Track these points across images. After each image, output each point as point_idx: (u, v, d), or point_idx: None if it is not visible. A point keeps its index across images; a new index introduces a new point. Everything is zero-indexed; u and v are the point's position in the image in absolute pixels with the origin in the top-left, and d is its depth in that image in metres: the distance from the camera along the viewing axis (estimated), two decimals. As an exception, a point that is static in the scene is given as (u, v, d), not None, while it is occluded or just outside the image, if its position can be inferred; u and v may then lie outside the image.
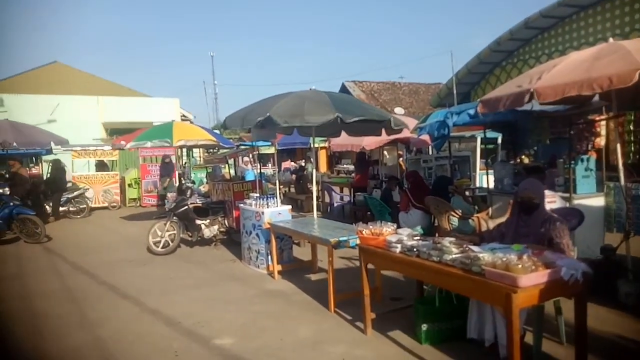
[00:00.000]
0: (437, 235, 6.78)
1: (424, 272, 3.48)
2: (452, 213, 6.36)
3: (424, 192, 7.18)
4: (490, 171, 7.75)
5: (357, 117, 5.72)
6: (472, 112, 6.55)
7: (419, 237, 3.87)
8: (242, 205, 7.30)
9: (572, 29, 12.22)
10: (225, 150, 15.09)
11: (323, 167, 23.04)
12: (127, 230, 11.03)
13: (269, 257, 6.62)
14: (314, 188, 7.14)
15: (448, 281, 3.28)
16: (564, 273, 2.87)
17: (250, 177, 12.31)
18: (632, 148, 6.11)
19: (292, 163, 19.75)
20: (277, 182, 7.39)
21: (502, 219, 6.69)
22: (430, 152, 10.62)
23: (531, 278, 2.78)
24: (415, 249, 3.57)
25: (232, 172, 13.17)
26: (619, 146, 4.82)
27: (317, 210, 7.58)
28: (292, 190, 14.22)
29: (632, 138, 6.05)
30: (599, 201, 6.33)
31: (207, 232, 8.42)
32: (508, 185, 7.17)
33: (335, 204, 11.76)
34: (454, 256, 3.25)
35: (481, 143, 13.79)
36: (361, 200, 10.76)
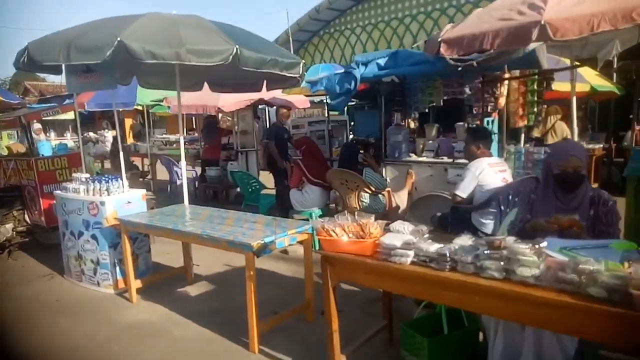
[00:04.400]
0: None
1: (476, 298, 2.07)
2: (366, 188, 5.13)
3: (321, 164, 5.78)
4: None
5: (267, 57, 3.91)
6: (381, 61, 5.33)
7: (427, 235, 2.43)
8: (59, 192, 4.74)
9: (384, 3, 13.04)
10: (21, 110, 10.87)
11: (130, 138, 19.29)
12: None
13: (118, 269, 4.38)
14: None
15: (533, 314, 1.94)
16: None
17: (45, 150, 9.00)
18: (535, 109, 5.74)
19: (92, 133, 15.74)
20: (122, 154, 5.00)
21: (403, 192, 5.85)
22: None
23: None
24: (448, 259, 2.14)
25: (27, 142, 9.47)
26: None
27: (148, 190, 5.53)
28: (108, 166, 11.23)
29: (535, 98, 5.66)
30: (499, 167, 5.90)
31: (-4, 236, 5.47)
32: (405, 153, 6.30)
33: (178, 182, 9.46)
34: (538, 271, 1.93)
35: (329, 109, 13.20)
36: (214, 176, 8.82)
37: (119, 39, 3.27)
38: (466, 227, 4.04)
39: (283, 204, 5.88)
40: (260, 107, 10.11)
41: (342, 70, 5.52)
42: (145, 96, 9.93)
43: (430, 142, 6.44)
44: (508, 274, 2.00)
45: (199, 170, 9.80)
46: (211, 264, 4.98)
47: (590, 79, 8.36)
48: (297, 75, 4.31)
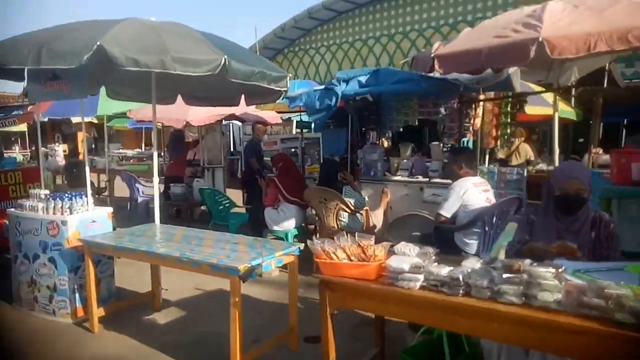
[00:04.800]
0: (317, 236, 5.32)
1: (494, 325, 1.94)
2: (345, 207, 4.99)
3: (297, 182, 5.60)
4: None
5: (255, 69, 3.73)
6: (363, 79, 5.27)
7: (434, 257, 2.30)
8: (13, 211, 4.30)
9: (348, 25, 13.70)
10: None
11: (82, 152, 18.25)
12: None
13: (78, 295, 3.98)
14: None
15: (555, 341, 1.83)
16: None
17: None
18: (508, 130, 5.85)
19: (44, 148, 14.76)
20: (87, 168, 4.58)
21: (378, 211, 5.75)
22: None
23: None
24: (461, 283, 2.01)
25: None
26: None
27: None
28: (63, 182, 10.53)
29: (508, 120, 5.76)
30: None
31: None
32: (380, 172, 6.24)
33: (140, 199, 8.99)
34: (560, 295, 1.83)
35: (297, 127, 13.10)
36: (179, 193, 8.42)
37: (98, 43, 2.99)
38: (449, 247, 4.00)
39: (257, 222, 5.64)
40: (224, 122, 9.85)
41: (322, 87, 5.41)
42: (107, 107, 9.43)
43: (405, 161, 6.41)
44: (528, 299, 1.89)
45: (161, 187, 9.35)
46: (180, 288, 4.65)
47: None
48: (283, 89, 4.14)
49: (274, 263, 3.09)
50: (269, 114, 8.81)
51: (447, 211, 4.07)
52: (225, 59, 3.40)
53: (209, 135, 9.48)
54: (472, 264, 2.15)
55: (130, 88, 5.41)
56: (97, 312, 3.78)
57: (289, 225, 5.37)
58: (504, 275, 1.94)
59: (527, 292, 1.89)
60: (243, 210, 6.97)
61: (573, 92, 8.79)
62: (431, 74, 4.98)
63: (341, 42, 14.48)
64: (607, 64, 5.71)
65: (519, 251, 2.51)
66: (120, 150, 17.49)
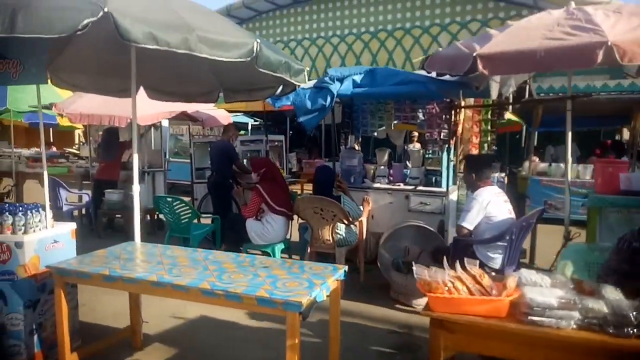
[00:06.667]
0: (308, 250, 4.82)
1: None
2: (343, 218, 4.55)
3: (282, 189, 5.03)
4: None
5: (282, 59, 3.13)
6: (357, 78, 4.87)
7: (571, 287, 1.98)
8: None
9: (269, 25, 14.08)
10: None
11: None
12: None
13: (37, 337, 3.08)
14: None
15: None
16: None
17: None
18: (489, 138, 5.83)
19: None
20: (45, 178, 3.57)
21: (362, 219, 5.39)
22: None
23: None
24: (633, 321, 1.70)
25: None
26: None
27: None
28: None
29: (489, 127, 5.75)
30: (454, 195, 5.86)
31: None
32: (360, 179, 5.91)
33: (65, 208, 7.68)
34: None
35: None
36: (116, 200, 7.33)
37: (105, 9, 2.23)
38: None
39: (233, 235, 4.97)
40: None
41: (312, 85, 4.91)
42: (19, 99, 7.97)
43: (382, 167, 6.16)
44: None
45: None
46: (155, 317, 3.86)
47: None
48: (301, 84, 3.58)
49: (325, 291, 2.57)
50: (221, 114, 8.07)
51: (470, 223, 3.82)
52: (257, 43, 2.79)
53: (148, 135, 8.44)
54: (613, 294, 1.86)
55: (83, 75, 4.48)
56: (71, 358, 2.92)
57: (276, 238, 4.79)
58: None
59: None
60: (207, 220, 6.21)
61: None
62: (430, 74, 4.82)
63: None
64: (528, 79, 6.06)
65: (617, 281, 2.22)
66: (16, 150, 15.18)
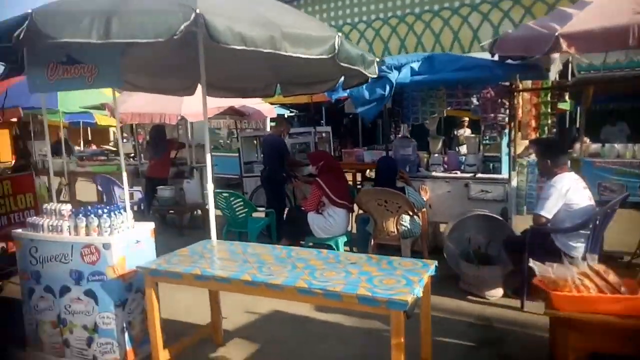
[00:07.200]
0: (372, 243, 4.77)
1: None
2: (409, 209, 4.48)
3: (342, 181, 5.00)
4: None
5: (359, 51, 3.07)
6: (415, 66, 4.76)
7: None
8: (24, 232, 3.34)
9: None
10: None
11: (5, 155, 15.65)
12: None
13: (128, 335, 3.16)
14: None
15: None
16: None
17: None
18: (549, 121, 5.60)
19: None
20: (125, 177, 3.66)
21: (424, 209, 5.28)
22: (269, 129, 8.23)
23: None
24: None
25: None
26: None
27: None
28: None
29: (548, 110, 5.52)
30: (514, 182, 5.69)
31: None
32: (415, 168, 5.81)
33: (119, 204, 7.85)
34: None
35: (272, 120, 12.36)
36: (168, 196, 7.45)
37: (197, 11, 2.21)
38: (546, 252, 3.63)
39: (296, 229, 4.97)
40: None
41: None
42: (70, 101, 8.15)
43: (436, 155, 6.04)
44: None
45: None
46: (232, 313, 3.91)
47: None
48: (373, 76, 3.51)
49: (421, 288, 2.52)
50: (265, 107, 8.08)
51: (548, 212, 3.69)
52: (339, 37, 2.73)
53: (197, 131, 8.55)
54: None
55: (144, 76, 4.53)
56: (164, 354, 2.99)
57: (338, 230, 4.77)
58: None
59: None
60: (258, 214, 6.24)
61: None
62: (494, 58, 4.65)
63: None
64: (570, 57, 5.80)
65: None
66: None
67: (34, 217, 3.38)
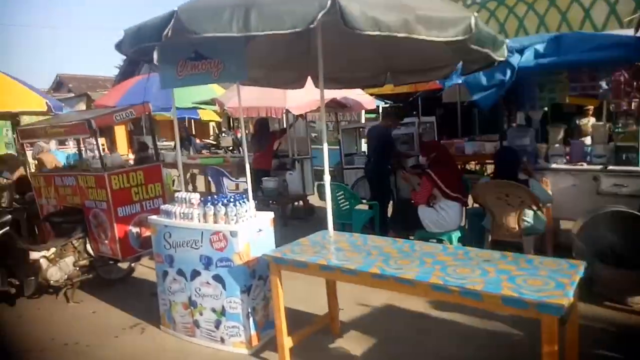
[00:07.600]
0: (489, 239, 4.48)
1: None
2: (533, 204, 4.13)
3: (455, 174, 4.76)
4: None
5: (492, 32, 2.87)
6: (540, 47, 4.36)
7: None
8: (158, 219, 3.60)
9: None
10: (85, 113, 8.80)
11: (123, 148, 17.35)
12: None
13: (252, 320, 3.27)
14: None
15: None
16: None
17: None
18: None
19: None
20: (248, 170, 3.84)
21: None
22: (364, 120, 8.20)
23: None
24: None
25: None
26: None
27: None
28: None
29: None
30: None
31: (54, 273, 4.25)
32: (533, 159, 5.35)
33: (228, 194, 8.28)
34: None
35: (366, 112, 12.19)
36: (272, 187, 7.67)
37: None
38: None
39: (405, 223, 4.83)
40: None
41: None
42: (184, 97, 8.72)
43: (557, 145, 5.52)
44: None
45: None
46: (345, 305, 3.88)
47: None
48: (501, 59, 3.26)
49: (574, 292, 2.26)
50: (366, 99, 7.98)
51: None
52: (474, 17, 2.54)
53: (296, 124, 8.73)
54: None
55: (260, 69, 4.64)
56: (287, 341, 3.05)
57: (452, 225, 4.55)
58: None
59: None
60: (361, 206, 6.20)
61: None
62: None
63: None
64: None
65: None
66: (164, 143, 16.87)
67: (167, 205, 3.63)
